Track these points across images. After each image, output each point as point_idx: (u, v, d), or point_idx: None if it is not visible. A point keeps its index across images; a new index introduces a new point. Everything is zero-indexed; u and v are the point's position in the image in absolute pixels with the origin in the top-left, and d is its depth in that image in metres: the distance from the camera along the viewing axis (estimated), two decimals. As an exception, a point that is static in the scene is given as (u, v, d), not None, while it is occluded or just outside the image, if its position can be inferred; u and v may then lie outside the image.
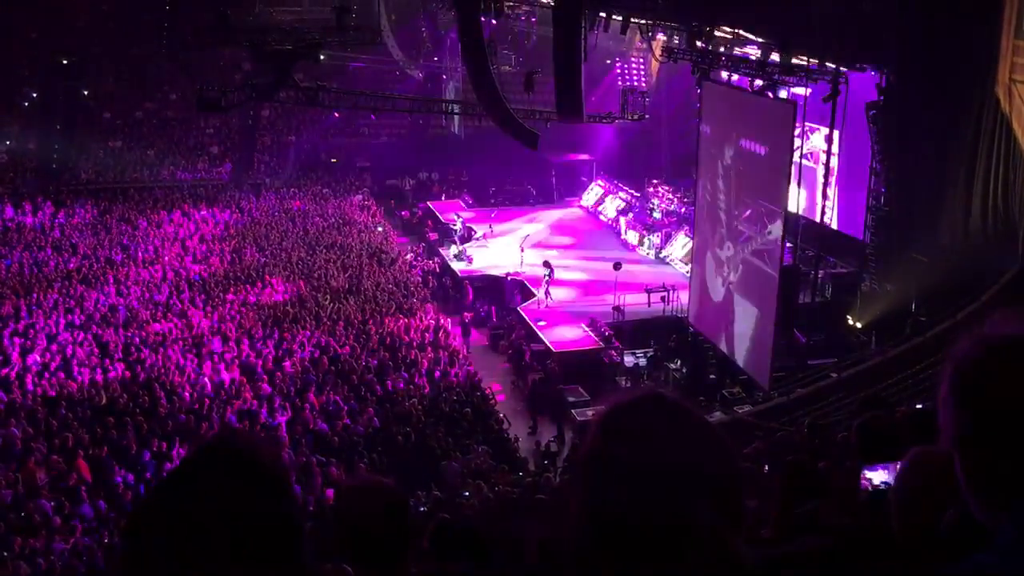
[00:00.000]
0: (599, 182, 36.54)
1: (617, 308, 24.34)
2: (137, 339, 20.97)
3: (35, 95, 36.70)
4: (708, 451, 1.45)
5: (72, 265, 26.34)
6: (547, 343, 23.25)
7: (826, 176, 23.15)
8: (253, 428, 17.13)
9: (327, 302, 23.99)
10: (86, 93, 37.15)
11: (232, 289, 24.77)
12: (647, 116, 28.30)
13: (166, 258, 27.42)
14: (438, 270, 29.16)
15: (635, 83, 35.76)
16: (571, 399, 20.57)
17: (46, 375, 19.07)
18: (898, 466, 3.83)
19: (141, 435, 16.70)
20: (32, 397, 18.00)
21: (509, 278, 27.46)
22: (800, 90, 21.44)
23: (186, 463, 1.68)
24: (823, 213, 22.68)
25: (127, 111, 38.34)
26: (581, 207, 36.09)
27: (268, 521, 1.55)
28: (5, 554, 12.78)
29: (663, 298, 24.42)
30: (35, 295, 23.57)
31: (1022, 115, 18.65)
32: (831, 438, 9.46)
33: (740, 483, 1.50)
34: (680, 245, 29.02)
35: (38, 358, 19.82)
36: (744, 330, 21.26)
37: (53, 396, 18.12)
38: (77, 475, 15.21)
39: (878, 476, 3.99)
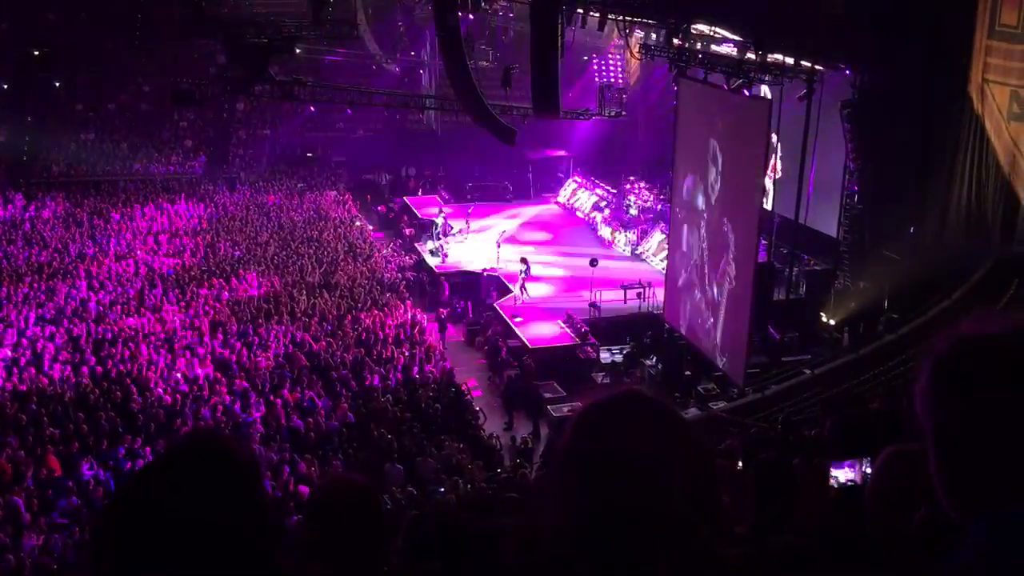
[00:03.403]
0: (576, 178, 36.59)
1: (593, 304, 24.40)
2: (109, 334, 20.77)
3: (6, 86, 36.22)
4: (684, 448, 1.45)
5: (43, 259, 26.06)
6: (523, 339, 23.27)
7: (800, 173, 23.29)
8: (227, 424, 17.05)
9: (302, 297, 23.89)
10: (58, 85, 36.72)
11: (206, 284, 24.59)
12: (624, 113, 28.36)
13: (139, 252, 27.19)
14: (415, 265, 29.10)
15: (612, 79, 35.82)
16: (547, 395, 20.63)
17: (16, 370, 18.86)
18: (865, 463, 3.87)
19: (114, 431, 16.56)
20: (2, 392, 17.79)
21: (485, 274, 27.46)
22: (776, 88, 21.56)
23: (159, 460, 1.66)
24: (797, 210, 22.81)
25: (100, 103, 37.92)
26: (557, 203, 36.13)
27: (240, 519, 1.53)
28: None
29: (639, 295, 24.51)
30: (5, 289, 23.29)
31: (994, 115, 18.85)
32: (804, 435, 9.52)
33: (716, 480, 1.51)
34: (656, 242, 29.11)
35: (8, 352, 19.59)
36: (719, 326, 21.37)
37: (24, 391, 17.91)
38: (48, 470, 15.06)
39: (844, 474, 4.02)
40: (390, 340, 21.84)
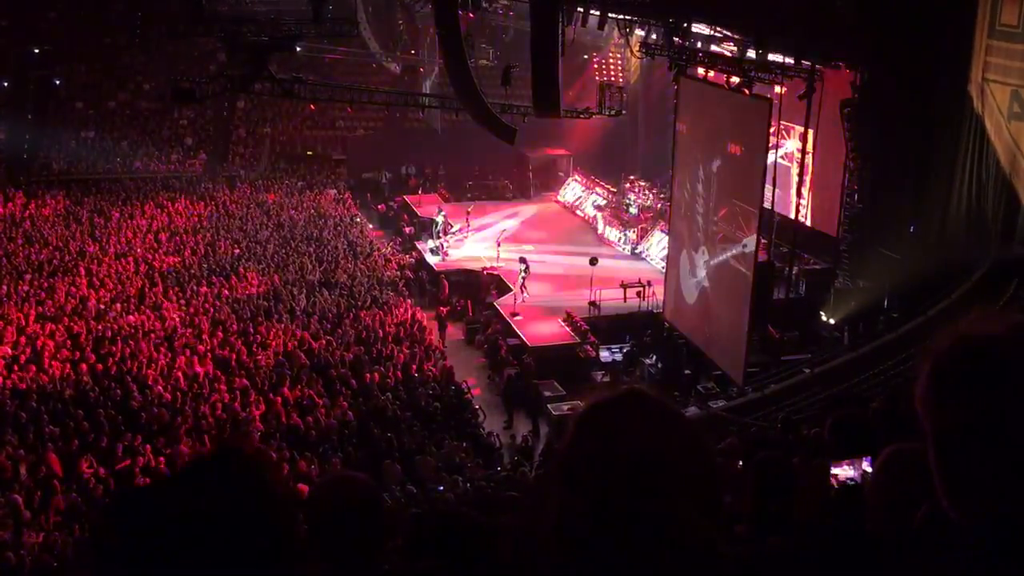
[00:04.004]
0: (576, 177, 36.57)
1: (593, 303, 24.39)
2: (109, 332, 20.76)
3: (6, 84, 36.20)
4: (685, 448, 1.45)
5: (43, 256, 26.06)
6: (523, 338, 23.26)
7: (801, 173, 23.31)
8: (227, 422, 17.05)
9: (302, 295, 23.88)
10: (58, 83, 36.70)
11: (206, 282, 24.59)
12: (624, 112, 28.35)
13: (139, 250, 27.16)
14: (414, 264, 29.10)
15: (612, 78, 35.81)
16: (547, 394, 20.61)
17: (16, 367, 18.86)
18: (864, 462, 3.87)
19: (114, 428, 16.55)
20: (1, 390, 17.78)
21: (485, 272, 27.45)
22: (776, 88, 21.57)
23: (187, 470, 1.63)
24: (798, 210, 22.81)
25: (100, 101, 37.89)
26: (558, 202, 36.13)
27: (259, 543, 1.51)
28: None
29: (639, 293, 24.51)
30: (5, 286, 23.29)
31: (994, 114, 18.84)
32: (804, 434, 9.52)
33: (717, 479, 1.51)
34: (656, 241, 29.12)
35: (8, 350, 19.59)
36: (718, 325, 21.38)
37: (23, 389, 17.91)
38: (47, 468, 15.05)
39: (843, 472, 4.02)
40: (390, 338, 21.84)
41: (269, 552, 1.51)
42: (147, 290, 23.73)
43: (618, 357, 22.99)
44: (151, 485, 1.64)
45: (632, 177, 34.21)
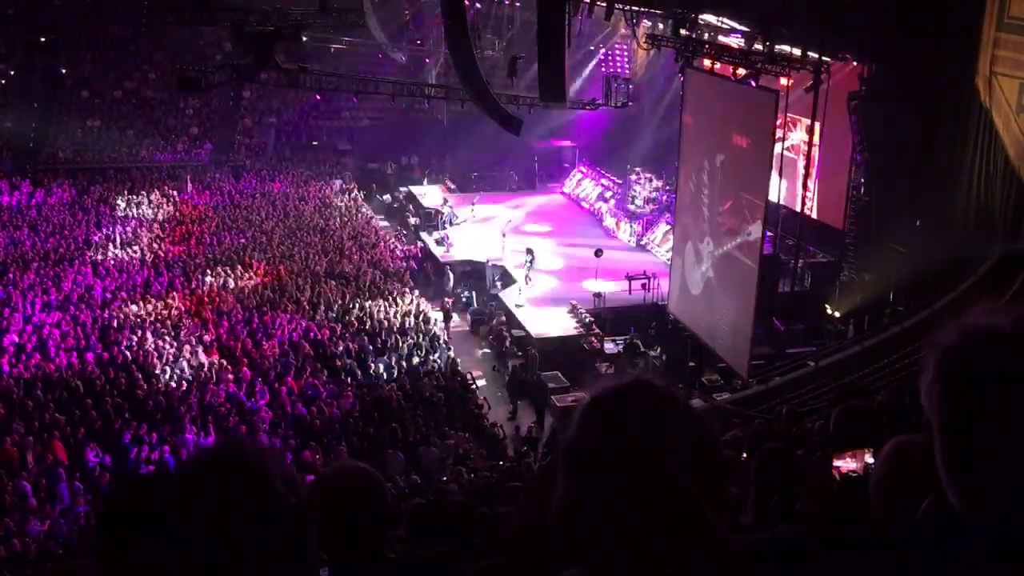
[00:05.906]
0: (581, 168, 36.53)
1: (597, 295, 24.39)
2: (115, 321, 20.81)
3: (12, 73, 36.22)
4: (691, 437, 1.45)
5: (49, 245, 26.11)
6: (527, 329, 23.26)
7: (807, 166, 23.25)
8: (232, 411, 17.10)
9: (307, 286, 23.90)
10: (64, 71, 36.71)
11: (211, 271, 24.62)
12: (630, 103, 28.28)
13: (144, 239, 27.20)
14: (420, 255, 29.10)
15: (619, 70, 35.73)
16: (551, 385, 20.62)
17: (22, 356, 18.91)
18: (867, 454, 3.87)
19: (121, 417, 16.61)
20: (8, 378, 17.84)
21: (491, 263, 27.45)
22: (783, 80, 21.49)
23: (191, 464, 1.63)
24: (804, 203, 22.75)
25: (106, 90, 37.88)
26: (563, 193, 36.09)
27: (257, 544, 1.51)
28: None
29: (643, 285, 24.50)
30: (11, 275, 23.35)
31: (1003, 107, 18.75)
32: (808, 426, 9.52)
33: (723, 468, 1.51)
34: (661, 232, 29.09)
35: (15, 338, 19.65)
36: (723, 318, 21.36)
37: (29, 377, 17.97)
38: (53, 456, 15.12)
39: (846, 464, 4.03)
40: (395, 329, 21.86)
41: (273, 546, 1.51)
42: (153, 279, 23.77)
43: (622, 348, 22.99)
44: (155, 475, 1.65)
45: (638, 169, 34.13)
